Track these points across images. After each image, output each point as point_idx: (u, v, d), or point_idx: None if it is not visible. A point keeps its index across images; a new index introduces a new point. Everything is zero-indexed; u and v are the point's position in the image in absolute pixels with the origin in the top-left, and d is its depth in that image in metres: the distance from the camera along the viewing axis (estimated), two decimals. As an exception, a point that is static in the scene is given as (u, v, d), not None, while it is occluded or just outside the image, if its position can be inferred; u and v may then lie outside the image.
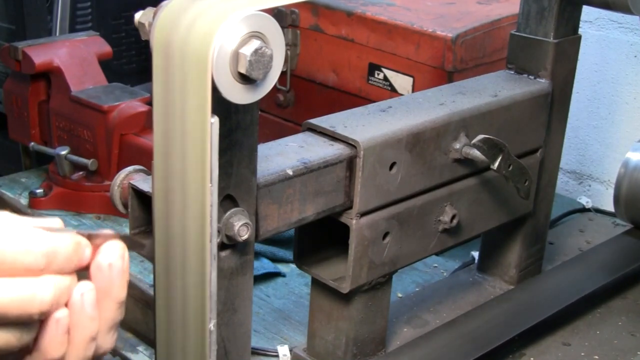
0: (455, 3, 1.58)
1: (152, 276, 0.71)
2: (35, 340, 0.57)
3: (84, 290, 0.57)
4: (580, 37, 1.12)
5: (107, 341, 0.60)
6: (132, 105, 1.48)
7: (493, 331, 1.05)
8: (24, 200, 1.52)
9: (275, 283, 1.30)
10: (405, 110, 0.97)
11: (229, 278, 0.79)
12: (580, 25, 1.12)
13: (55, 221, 0.60)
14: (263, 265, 1.31)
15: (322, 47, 1.62)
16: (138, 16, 0.69)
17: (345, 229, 0.92)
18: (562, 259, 1.30)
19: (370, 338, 1.01)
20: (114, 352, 1.11)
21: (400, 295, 1.26)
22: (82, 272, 0.59)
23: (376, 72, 1.53)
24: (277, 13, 1.63)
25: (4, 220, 0.56)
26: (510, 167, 1.01)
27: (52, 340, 0.57)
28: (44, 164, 1.66)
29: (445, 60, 1.43)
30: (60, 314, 0.56)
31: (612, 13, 1.56)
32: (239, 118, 0.72)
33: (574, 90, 1.16)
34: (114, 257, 0.59)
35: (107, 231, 0.60)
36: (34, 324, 0.56)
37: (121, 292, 0.60)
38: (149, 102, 1.48)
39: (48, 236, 0.56)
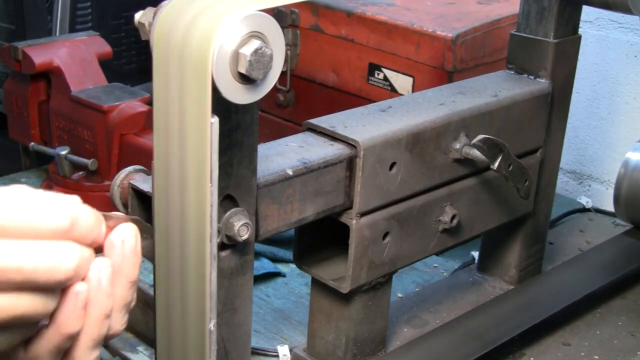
0: (455, 3, 1.58)
1: (152, 276, 0.71)
2: (53, 314, 0.57)
3: (101, 266, 0.58)
4: (580, 37, 1.12)
5: (118, 322, 0.61)
6: (132, 105, 1.48)
7: (493, 331, 1.05)
8: (24, 200, 1.51)
9: (275, 283, 1.30)
10: (405, 110, 0.97)
11: (229, 278, 0.79)
12: (580, 25, 1.12)
13: (74, 199, 0.60)
14: (263, 265, 1.31)
15: (322, 47, 1.62)
16: (138, 16, 0.69)
17: (345, 229, 0.92)
18: (562, 259, 1.30)
19: (370, 338, 1.01)
20: (114, 352, 1.11)
21: (400, 295, 1.26)
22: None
23: (376, 72, 1.53)
24: (277, 13, 1.63)
25: (24, 189, 0.57)
26: (510, 167, 1.01)
27: (71, 314, 0.57)
28: (44, 164, 1.66)
29: (445, 60, 1.43)
30: (80, 287, 0.57)
31: (612, 13, 1.56)
32: (239, 118, 0.72)
33: (574, 90, 1.16)
34: (127, 235, 0.60)
35: (119, 214, 0.61)
36: (56, 292, 0.56)
37: (133, 271, 0.60)
38: (149, 102, 1.48)
39: (71, 202, 0.57)
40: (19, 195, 0.55)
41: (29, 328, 0.57)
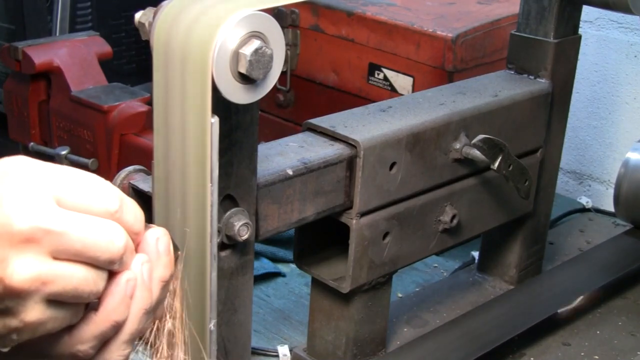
0: (455, 3, 1.58)
1: (152, 276, 0.71)
2: (101, 300, 0.58)
3: (142, 260, 0.59)
4: (580, 37, 1.12)
5: (148, 321, 0.62)
6: (132, 105, 1.48)
7: (493, 331, 1.05)
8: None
9: (275, 283, 1.30)
10: (405, 110, 0.97)
11: (229, 278, 0.79)
12: (580, 25, 1.12)
13: None
14: (263, 265, 1.31)
15: (322, 47, 1.62)
16: (138, 16, 0.69)
17: (345, 229, 0.91)
18: (562, 259, 1.30)
19: (370, 338, 1.01)
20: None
21: (400, 295, 1.26)
22: None
23: (376, 72, 1.53)
24: (277, 13, 1.63)
25: (74, 169, 0.58)
26: (510, 167, 1.01)
27: (121, 301, 0.58)
28: (44, 164, 1.66)
29: (445, 60, 1.43)
30: (130, 275, 0.58)
31: (612, 13, 1.56)
32: (239, 118, 0.72)
33: (574, 90, 1.16)
34: (160, 234, 0.61)
35: (152, 225, 0.63)
36: (104, 273, 0.57)
37: (165, 271, 0.61)
38: (149, 102, 1.49)
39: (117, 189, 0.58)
40: (73, 172, 0.57)
41: (77, 310, 0.57)
